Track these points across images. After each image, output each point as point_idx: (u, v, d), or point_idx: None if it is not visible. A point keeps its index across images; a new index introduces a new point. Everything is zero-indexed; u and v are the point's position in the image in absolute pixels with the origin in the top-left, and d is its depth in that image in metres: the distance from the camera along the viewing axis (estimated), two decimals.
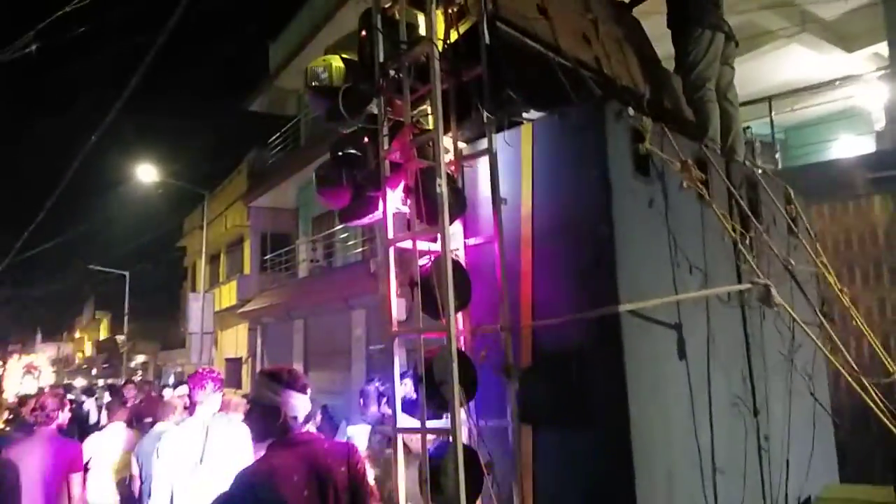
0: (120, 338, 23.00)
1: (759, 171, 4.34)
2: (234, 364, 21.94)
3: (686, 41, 3.96)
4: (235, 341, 22.15)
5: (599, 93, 3.27)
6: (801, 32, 10.59)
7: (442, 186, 2.62)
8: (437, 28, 3.11)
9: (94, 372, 24.32)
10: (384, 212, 2.90)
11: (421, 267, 2.77)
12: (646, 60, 4.24)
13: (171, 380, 21.10)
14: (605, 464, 2.54)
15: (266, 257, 20.67)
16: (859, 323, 3.63)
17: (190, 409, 3.69)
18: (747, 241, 3.14)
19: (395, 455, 2.78)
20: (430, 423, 2.68)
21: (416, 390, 2.71)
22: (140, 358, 21.85)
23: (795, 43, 10.83)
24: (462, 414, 2.68)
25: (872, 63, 10.74)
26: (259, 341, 19.92)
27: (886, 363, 3.35)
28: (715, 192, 3.34)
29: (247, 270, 21.84)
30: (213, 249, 23.42)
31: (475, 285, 2.97)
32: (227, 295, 22.69)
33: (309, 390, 2.54)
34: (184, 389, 5.49)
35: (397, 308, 2.91)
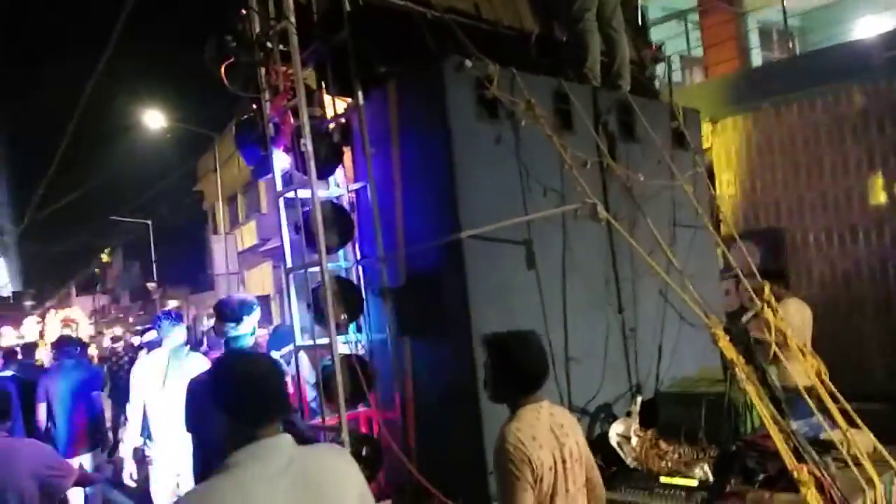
0: (151, 285, 24.50)
1: (654, 90, 4.75)
2: (262, 301, 23.23)
3: None
4: (261, 280, 23.39)
5: (468, 42, 3.69)
6: None
7: (306, 144, 3.19)
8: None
9: (130, 320, 26.13)
10: (271, 168, 3.50)
11: (304, 213, 3.39)
12: None
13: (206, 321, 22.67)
14: (456, 365, 3.21)
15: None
16: (731, 229, 4.12)
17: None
18: (589, 165, 3.62)
19: (296, 367, 3.52)
20: (320, 341, 3.38)
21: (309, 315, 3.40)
22: (173, 303, 23.33)
23: None
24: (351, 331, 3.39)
25: None
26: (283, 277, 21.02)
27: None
28: (577, 121, 3.81)
29: (264, 209, 22.70)
30: (230, 191, 24.24)
31: (366, 222, 3.60)
32: (249, 235, 23.75)
33: (245, 317, 3.26)
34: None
35: (295, 249, 3.55)
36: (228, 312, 3.32)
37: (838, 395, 3.24)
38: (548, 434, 2.26)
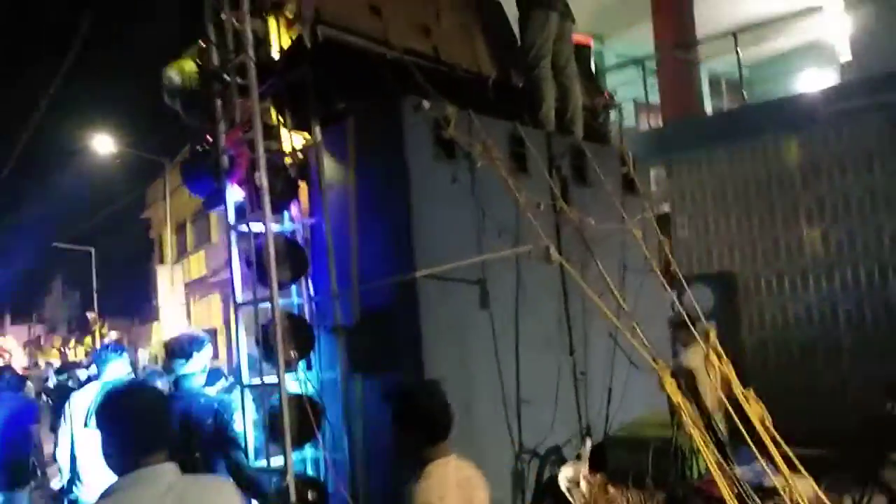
0: (90, 315, 23.58)
1: (605, 136, 4.92)
2: (208, 334, 22.56)
3: (523, 22, 4.44)
4: (208, 312, 22.75)
5: (423, 81, 3.75)
6: None
7: (261, 177, 3.16)
8: (271, 35, 3.62)
9: (66, 350, 25.01)
10: (224, 200, 3.45)
11: (256, 246, 3.34)
12: (497, 42, 4.72)
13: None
14: None
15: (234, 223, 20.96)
16: (678, 275, 4.24)
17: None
18: (542, 207, 3.69)
19: (242, 404, 3.40)
20: (268, 379, 3.29)
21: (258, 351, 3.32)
22: (113, 334, 22.47)
23: None
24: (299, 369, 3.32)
25: None
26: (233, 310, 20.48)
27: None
28: (532, 164, 3.90)
29: (215, 239, 22.23)
30: (179, 219, 23.69)
31: (320, 259, 3.56)
32: (196, 265, 23.17)
33: (195, 353, 3.17)
34: None
35: (246, 283, 3.48)
36: (178, 349, 3.24)
37: (780, 440, 3.33)
38: (455, 490, 2.22)
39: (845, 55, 9.68)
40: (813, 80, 9.69)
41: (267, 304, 3.23)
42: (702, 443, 2.89)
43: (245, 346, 3.45)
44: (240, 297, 3.46)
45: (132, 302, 26.05)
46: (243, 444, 3.28)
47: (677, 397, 2.99)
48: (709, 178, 6.62)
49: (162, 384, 4.62)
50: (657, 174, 6.89)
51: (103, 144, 20.56)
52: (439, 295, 3.25)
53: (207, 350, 3.36)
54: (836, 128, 6.08)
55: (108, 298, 26.38)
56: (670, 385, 3.00)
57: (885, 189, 5.81)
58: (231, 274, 3.47)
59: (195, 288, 22.25)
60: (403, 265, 3.20)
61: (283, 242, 3.38)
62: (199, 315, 22.94)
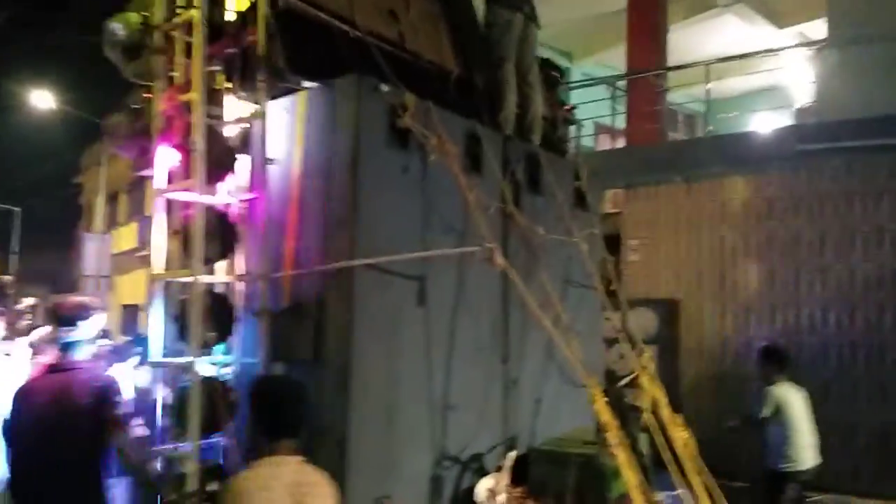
0: (6, 278, 22.14)
1: (562, 149, 4.90)
2: (131, 311, 21.62)
3: (488, 20, 4.37)
4: (134, 287, 21.78)
5: (386, 66, 3.63)
6: (737, 2, 11.19)
7: (198, 143, 2.95)
8: None
9: None
10: (154, 164, 3.22)
11: (183, 216, 3.12)
12: (463, 38, 4.63)
13: None
14: (330, 397, 3.01)
15: None
16: (617, 293, 4.24)
17: None
18: (492, 210, 3.62)
19: (154, 388, 3.18)
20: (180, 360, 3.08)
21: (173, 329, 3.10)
22: (29, 300, 21.22)
23: (731, 13, 11.47)
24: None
25: (799, 41, 11.46)
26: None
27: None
28: (486, 166, 3.82)
29: (148, 211, 21.29)
30: (113, 188, 22.67)
31: (252, 237, 3.36)
32: (127, 237, 22.17)
33: (81, 322, 2.92)
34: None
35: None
36: (62, 316, 3.00)
37: (704, 469, 3.34)
38: (283, 491, 2.16)
39: (802, 100, 10.08)
40: (767, 122, 10.04)
41: (189, 279, 3.03)
42: (625, 463, 2.85)
43: (159, 321, 3.22)
44: (159, 269, 3.23)
45: (53, 269, 24.63)
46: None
47: (605, 415, 2.94)
48: (664, 204, 6.72)
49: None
50: (614, 196, 6.97)
51: (42, 100, 19.44)
52: (375, 287, 3.12)
53: (96, 320, 3.14)
54: (792, 168, 6.26)
55: (27, 263, 24.90)
56: (599, 402, 2.95)
57: (835, 232, 6.01)
58: (155, 243, 3.23)
59: (122, 261, 21.31)
60: (341, 252, 3.05)
61: (214, 215, 3.18)
62: (124, 289, 21.97)
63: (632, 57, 9.51)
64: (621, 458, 2.86)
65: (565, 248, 4.36)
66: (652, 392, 3.50)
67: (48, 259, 25.19)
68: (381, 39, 3.88)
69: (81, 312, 3.16)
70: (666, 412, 3.51)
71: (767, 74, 10.04)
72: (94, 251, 22.81)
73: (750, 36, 11.60)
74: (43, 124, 21.90)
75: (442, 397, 3.41)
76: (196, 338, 2.91)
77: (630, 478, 2.80)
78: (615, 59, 12.21)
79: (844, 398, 5.92)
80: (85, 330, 3.17)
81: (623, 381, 3.50)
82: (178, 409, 2.99)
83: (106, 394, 2.98)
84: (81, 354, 3.15)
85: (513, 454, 3.46)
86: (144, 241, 20.07)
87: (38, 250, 25.63)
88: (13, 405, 3.02)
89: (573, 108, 5.99)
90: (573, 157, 4.97)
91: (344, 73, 3.37)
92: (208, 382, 3.01)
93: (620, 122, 9.85)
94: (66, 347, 3.11)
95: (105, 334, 5.17)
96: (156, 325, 3.21)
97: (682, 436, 3.50)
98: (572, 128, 5.75)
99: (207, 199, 3.13)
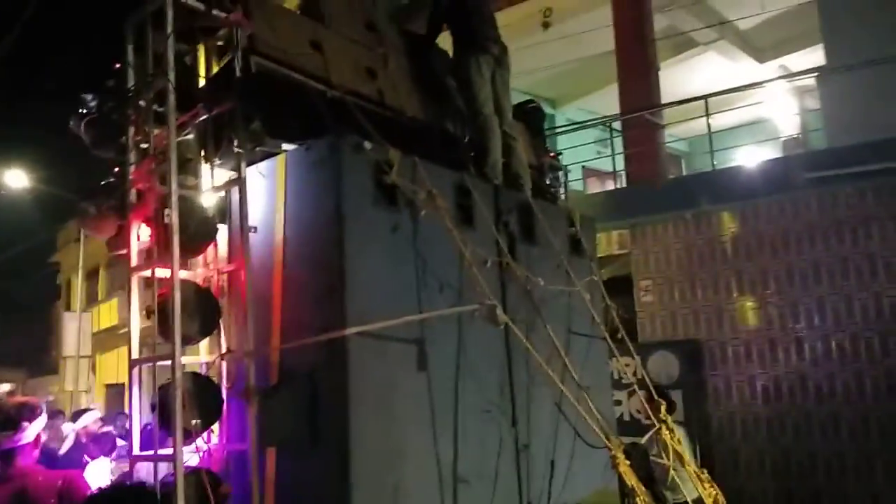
0: None
1: (552, 195, 4.80)
2: (116, 390, 21.01)
3: (457, 69, 4.33)
4: (117, 365, 21.23)
5: (370, 125, 3.53)
6: (718, 40, 11.44)
7: (172, 215, 2.79)
8: (200, 64, 3.32)
9: None
10: (128, 241, 3.05)
11: (159, 294, 2.93)
12: (443, 92, 4.58)
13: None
14: (329, 482, 2.77)
15: None
16: (625, 339, 4.07)
17: None
18: (489, 264, 3.48)
19: (130, 481, 2.92)
20: (163, 451, 2.83)
21: (153, 418, 2.86)
22: (5, 387, 20.55)
23: (712, 51, 11.70)
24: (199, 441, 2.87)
25: (780, 74, 11.69)
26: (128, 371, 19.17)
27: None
28: (478, 218, 3.69)
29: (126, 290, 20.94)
30: (92, 264, 22.34)
31: (234, 311, 3.17)
32: (108, 314, 21.73)
33: (26, 423, 2.66)
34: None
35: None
36: (3, 420, 2.77)
37: None
38: None
39: (787, 131, 10.18)
40: (752, 156, 10.13)
41: (168, 363, 2.81)
42: None
43: (139, 410, 2.99)
44: (136, 353, 3.02)
45: (29, 352, 23.99)
46: None
47: (632, 479, 2.73)
48: (674, 241, 6.58)
49: None
50: (620, 237, 6.85)
51: (16, 178, 19.25)
52: (372, 356, 2.92)
53: (41, 421, 2.92)
54: (806, 196, 6.15)
55: (3, 347, 24.23)
56: (624, 465, 2.74)
57: (855, 259, 5.86)
58: (130, 327, 3.02)
59: (103, 339, 20.83)
60: (332, 320, 2.86)
61: (192, 291, 2.99)
62: (107, 369, 21.44)
63: (625, 97, 9.62)
64: None
65: (565, 298, 4.21)
66: (674, 447, 3.29)
67: (22, 343, 24.57)
68: (360, 97, 3.80)
69: (24, 413, 2.92)
70: (691, 469, 3.29)
71: (748, 110, 10.17)
72: (73, 330, 22.26)
73: (733, 72, 11.85)
74: (16, 204, 21.65)
75: (451, 470, 3.17)
76: (179, 426, 2.67)
77: None
78: (599, 104, 12.40)
79: (885, 427, 5.67)
80: (29, 432, 2.91)
81: (645, 438, 3.29)
82: None
83: (73, 493, 2.70)
84: (31, 457, 2.88)
85: None
86: (125, 318, 19.73)
87: (15, 333, 25.02)
88: None
89: (559, 154, 5.95)
90: (565, 202, 4.86)
91: (322, 134, 3.26)
92: (195, 475, 2.76)
93: (610, 165, 9.88)
94: (8, 454, 2.82)
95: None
96: (136, 413, 2.98)
97: (710, 493, 3.28)
98: (560, 173, 5.67)
99: (184, 274, 2.95)
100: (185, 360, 2.83)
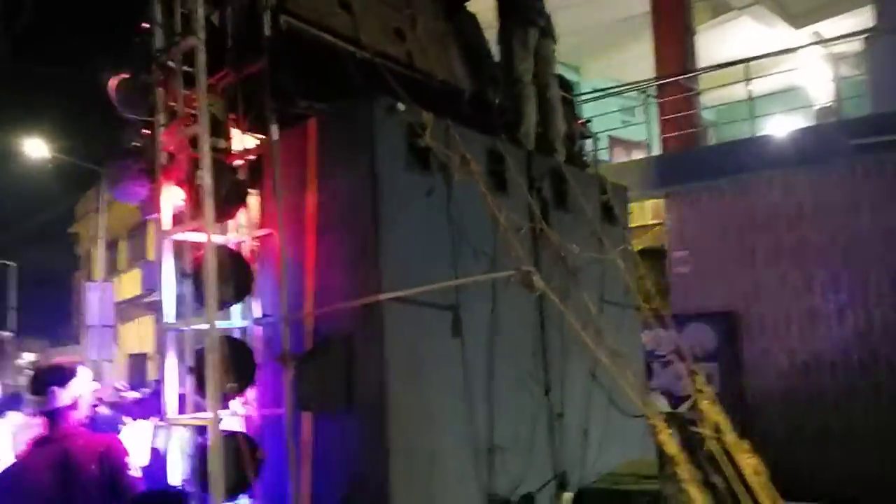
0: (5, 335, 22.02)
1: (586, 164, 4.73)
2: (137, 360, 21.43)
3: (501, 37, 4.24)
4: (139, 335, 21.61)
5: (400, 87, 3.47)
6: (753, 4, 11.08)
7: (204, 178, 2.77)
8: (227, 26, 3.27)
9: None
10: (159, 203, 3.04)
11: (194, 258, 2.93)
12: (474, 56, 4.50)
13: None
14: (366, 451, 2.78)
15: None
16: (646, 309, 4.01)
17: None
18: (522, 230, 3.43)
19: (169, 446, 2.96)
20: (199, 416, 2.86)
21: (190, 382, 2.88)
22: (29, 356, 21.04)
23: (747, 15, 11.36)
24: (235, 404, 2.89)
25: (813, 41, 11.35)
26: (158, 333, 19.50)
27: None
28: (511, 184, 3.64)
29: (151, 256, 21.21)
30: (112, 235, 22.62)
31: (267, 275, 3.17)
32: (129, 284, 22.06)
33: (62, 385, 2.69)
34: None
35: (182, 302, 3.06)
36: (32, 385, 2.84)
37: (779, 497, 3.08)
38: None
39: (821, 100, 9.88)
40: (784, 124, 9.85)
41: (203, 326, 2.82)
42: (700, 501, 2.61)
43: (174, 375, 3.01)
44: (171, 318, 3.03)
45: (52, 323, 24.49)
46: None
47: (672, 448, 2.70)
48: (711, 210, 6.43)
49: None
50: (654, 206, 6.71)
51: (35, 148, 19.40)
52: (407, 322, 2.91)
53: (76, 383, 2.91)
54: (848, 164, 5.92)
55: (25, 318, 24.77)
56: (664, 433, 2.71)
57: None
58: (162, 291, 3.03)
59: (126, 309, 21.18)
60: (368, 286, 2.84)
61: (226, 255, 2.98)
62: (129, 338, 21.88)
63: (660, 62, 9.37)
64: (695, 494, 2.61)
65: (598, 267, 4.15)
66: (713, 416, 3.26)
67: (45, 313, 25.07)
68: (389, 59, 3.73)
69: (56, 376, 2.92)
70: (731, 438, 3.26)
71: (780, 77, 9.85)
72: (95, 300, 22.64)
73: (767, 38, 11.53)
74: (36, 174, 21.89)
75: (486, 437, 3.17)
76: (216, 390, 2.69)
77: None
78: (623, 72, 12.13)
79: None
80: (64, 395, 2.91)
81: (684, 407, 3.26)
82: (199, 470, 2.77)
83: (113, 457, 2.73)
84: (72, 419, 2.92)
85: (569, 496, 3.21)
86: (148, 287, 20.04)
87: (36, 304, 25.52)
88: (3, 491, 2.73)
89: (588, 121, 5.84)
90: (596, 170, 4.78)
91: (353, 96, 3.21)
92: (231, 439, 2.79)
93: (636, 134, 9.70)
94: (53, 415, 2.85)
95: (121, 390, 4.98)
96: (170, 378, 3.00)
97: (751, 463, 3.24)
98: (589, 141, 5.58)
99: (217, 239, 2.94)
100: (221, 325, 2.83)
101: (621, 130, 11.46)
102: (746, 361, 5.83)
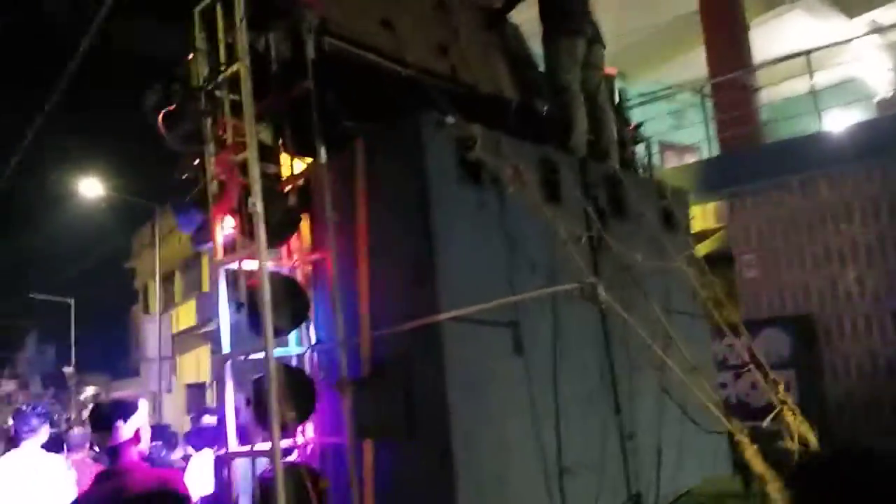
0: (67, 370, 22.84)
1: (641, 170, 4.58)
2: (196, 390, 21.87)
3: (546, 46, 4.17)
4: (197, 365, 22.09)
5: (446, 102, 3.42)
6: None
7: (255, 204, 2.76)
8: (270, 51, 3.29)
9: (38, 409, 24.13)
10: (212, 233, 3.05)
11: (248, 286, 2.92)
12: (518, 66, 4.43)
13: None
14: (431, 474, 2.70)
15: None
16: (718, 317, 3.83)
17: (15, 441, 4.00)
18: (583, 240, 3.32)
19: (229, 478, 2.93)
20: (263, 445, 2.82)
21: (248, 412, 2.86)
22: (90, 390, 21.73)
23: (799, 8, 11.04)
24: (298, 433, 2.85)
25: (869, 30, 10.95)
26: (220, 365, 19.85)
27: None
28: (566, 193, 3.53)
29: (206, 287, 21.73)
30: (167, 268, 23.30)
31: (321, 300, 3.14)
32: (185, 316, 22.62)
33: (122, 421, 2.70)
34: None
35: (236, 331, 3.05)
36: (96, 420, 2.87)
37: None
38: None
39: (881, 93, 9.43)
40: (839, 120, 9.44)
41: (260, 355, 2.80)
42: None
43: (232, 405, 2.99)
44: (226, 347, 3.02)
45: (111, 357, 25.26)
46: None
47: (760, 466, 2.53)
48: (778, 210, 6.14)
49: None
50: (717, 209, 6.45)
51: (90, 188, 20.21)
52: (467, 341, 2.82)
53: (137, 417, 2.90)
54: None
55: (85, 353, 25.65)
56: (751, 450, 2.54)
57: None
58: (218, 321, 3.03)
59: (182, 340, 21.69)
60: (424, 307, 2.77)
61: (280, 282, 2.96)
62: (187, 369, 22.34)
63: (713, 60, 9.11)
64: None
65: (661, 276, 3.99)
66: (798, 428, 3.05)
67: (103, 347, 25.89)
68: (433, 75, 3.70)
69: (118, 411, 2.91)
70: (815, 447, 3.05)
71: (834, 70, 9.45)
72: (153, 333, 23.31)
73: (821, 30, 11.13)
74: (91, 213, 22.78)
75: (555, 459, 3.04)
76: (277, 420, 2.65)
77: None
78: (671, 76, 11.88)
79: None
80: (125, 429, 2.90)
81: (767, 421, 3.07)
82: (262, 502, 2.73)
83: (170, 493, 2.71)
84: (132, 454, 2.92)
85: None
86: (204, 318, 20.49)
87: (94, 340, 26.40)
88: None
89: (639, 126, 5.69)
90: (653, 175, 4.63)
91: (400, 114, 3.17)
92: (293, 469, 2.74)
93: (689, 137, 9.43)
94: (113, 451, 2.85)
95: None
96: (228, 408, 2.98)
97: None
98: (641, 147, 5.42)
99: (270, 265, 2.92)
100: (275, 352, 2.80)
101: (671, 136, 11.20)
102: (826, 367, 5.50)
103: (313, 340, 3.18)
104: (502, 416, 2.91)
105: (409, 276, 2.87)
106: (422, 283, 2.80)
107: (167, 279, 23.82)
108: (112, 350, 25.42)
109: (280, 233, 3.01)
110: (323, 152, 3.10)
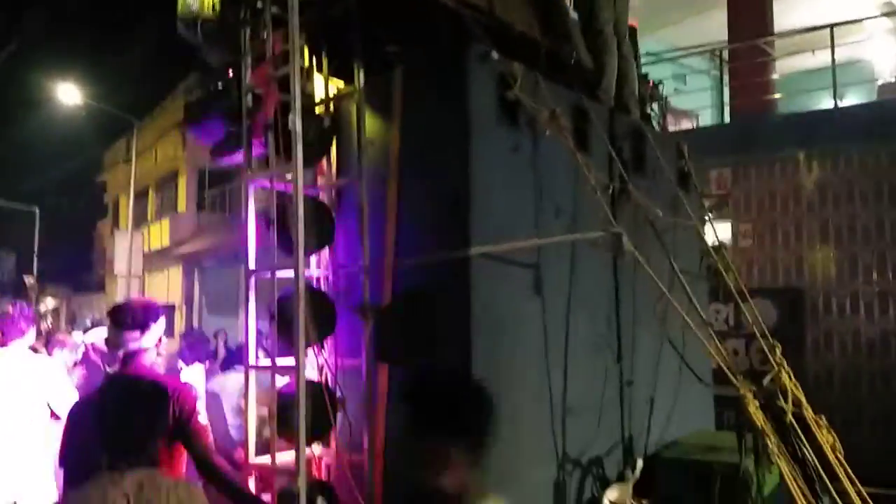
0: (28, 279, 22.40)
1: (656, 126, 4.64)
2: (165, 311, 21.82)
3: None
4: (166, 286, 21.99)
5: (480, 35, 3.41)
6: None
7: (295, 122, 2.77)
8: None
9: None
10: (244, 147, 3.05)
11: (277, 204, 2.95)
12: (550, 9, 4.39)
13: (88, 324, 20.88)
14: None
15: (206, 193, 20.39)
16: (733, 280, 3.98)
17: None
18: (610, 190, 3.40)
19: (246, 391, 3.02)
20: (281, 361, 2.91)
21: (270, 328, 2.93)
22: (50, 301, 21.41)
23: None
24: (312, 353, 2.95)
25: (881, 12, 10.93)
26: (196, 286, 19.78)
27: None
28: (593, 142, 3.59)
29: (182, 208, 21.47)
30: (140, 185, 22.89)
31: (346, 225, 3.19)
32: (157, 235, 22.40)
33: (149, 326, 2.74)
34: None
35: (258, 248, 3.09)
36: (129, 319, 2.72)
37: (854, 477, 3.08)
38: None
39: (885, 75, 9.51)
40: (852, 97, 9.54)
41: (285, 274, 2.85)
42: (790, 476, 2.61)
43: (253, 321, 3.06)
44: (252, 264, 3.07)
45: (74, 269, 24.93)
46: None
47: (760, 421, 2.70)
48: (780, 182, 6.26)
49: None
50: (719, 176, 6.53)
51: (68, 94, 19.53)
52: (493, 278, 2.91)
53: (162, 323, 2.89)
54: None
55: (46, 263, 25.18)
56: (753, 406, 2.71)
57: None
58: (245, 237, 3.06)
59: (152, 259, 21.51)
60: (454, 240, 2.85)
61: (309, 203, 3.00)
62: (156, 288, 22.22)
63: (736, 25, 9.02)
64: (785, 469, 2.62)
65: (672, 233, 4.11)
66: (793, 391, 3.24)
67: (67, 260, 25.50)
68: (472, 8, 3.67)
69: (150, 314, 2.85)
70: (809, 413, 3.25)
71: (842, 50, 9.48)
72: (123, 249, 22.99)
73: (834, 6, 11.09)
74: (66, 120, 22.11)
75: (560, 399, 3.19)
76: (302, 337, 2.73)
77: (797, 493, 2.56)
78: (674, 37, 11.79)
79: None
80: (153, 335, 2.87)
81: (766, 381, 3.25)
82: (282, 417, 2.83)
83: (185, 403, 2.74)
84: (147, 361, 2.86)
85: (640, 463, 3.24)
86: (177, 239, 20.27)
87: (58, 251, 25.97)
88: (72, 421, 2.80)
89: (659, 83, 5.71)
90: (673, 134, 4.69)
91: (438, 44, 3.17)
92: (314, 386, 2.85)
93: (688, 102, 9.44)
94: (131, 355, 2.80)
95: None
96: (250, 325, 3.05)
97: (828, 438, 3.24)
98: (660, 104, 5.46)
99: (296, 185, 2.94)
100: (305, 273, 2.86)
101: (672, 100, 11.20)
102: (809, 340, 5.75)
103: (332, 264, 3.24)
104: (518, 353, 3.03)
105: (441, 209, 2.93)
106: (455, 216, 2.86)
107: (140, 196, 23.42)
108: (75, 263, 25.07)
109: (313, 153, 3.02)
110: (360, 76, 3.09)
